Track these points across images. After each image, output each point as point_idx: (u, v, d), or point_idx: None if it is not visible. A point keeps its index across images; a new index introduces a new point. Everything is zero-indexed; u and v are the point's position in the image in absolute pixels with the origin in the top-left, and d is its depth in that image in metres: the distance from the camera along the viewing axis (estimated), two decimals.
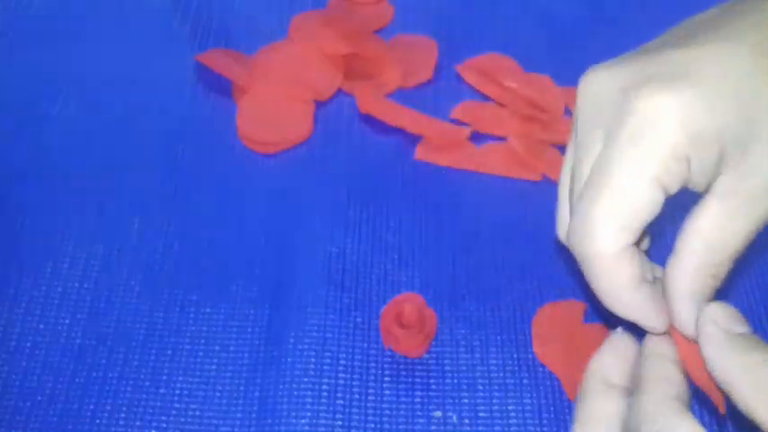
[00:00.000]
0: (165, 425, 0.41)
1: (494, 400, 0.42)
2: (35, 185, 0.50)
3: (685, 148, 0.28)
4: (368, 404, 0.42)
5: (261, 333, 0.45)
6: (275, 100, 0.53)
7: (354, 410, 0.42)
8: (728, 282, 0.46)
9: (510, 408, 0.42)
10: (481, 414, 0.42)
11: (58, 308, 0.45)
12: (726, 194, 0.29)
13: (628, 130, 0.29)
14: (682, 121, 0.28)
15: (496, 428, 0.41)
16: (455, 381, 0.43)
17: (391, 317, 0.43)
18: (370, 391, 0.43)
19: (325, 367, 0.43)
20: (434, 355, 0.44)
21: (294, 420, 0.41)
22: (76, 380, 0.43)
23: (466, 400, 0.42)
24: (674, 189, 0.29)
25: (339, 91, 0.55)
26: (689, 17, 0.33)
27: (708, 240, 0.29)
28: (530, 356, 0.44)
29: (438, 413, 0.42)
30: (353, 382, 0.43)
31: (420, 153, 0.52)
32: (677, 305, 0.30)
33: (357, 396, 0.42)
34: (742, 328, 0.28)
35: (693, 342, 0.30)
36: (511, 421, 0.41)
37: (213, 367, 0.43)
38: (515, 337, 0.45)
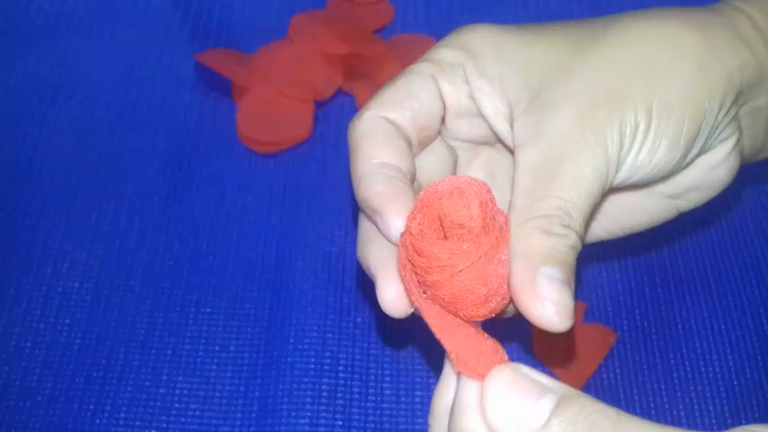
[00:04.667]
0: (165, 425, 0.41)
1: None
2: (35, 185, 0.50)
3: (460, 58, 0.31)
4: (368, 404, 0.42)
5: (261, 333, 0.45)
6: (275, 100, 0.53)
7: (354, 410, 0.42)
8: (729, 283, 0.47)
9: None
10: None
11: (58, 308, 0.45)
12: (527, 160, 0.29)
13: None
14: (462, 41, 0.32)
15: None
16: None
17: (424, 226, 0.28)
18: (371, 391, 0.43)
19: (326, 367, 0.43)
20: (434, 355, 0.44)
21: (294, 420, 0.41)
22: (76, 380, 0.43)
23: None
24: (447, 88, 0.31)
25: (339, 91, 0.55)
26: None
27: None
28: (530, 356, 0.44)
29: None
30: (353, 382, 0.43)
31: None
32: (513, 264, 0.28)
33: (357, 396, 0.42)
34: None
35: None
36: None
37: (213, 367, 0.43)
38: (515, 336, 0.45)
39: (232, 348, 0.44)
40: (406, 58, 0.56)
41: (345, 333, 0.44)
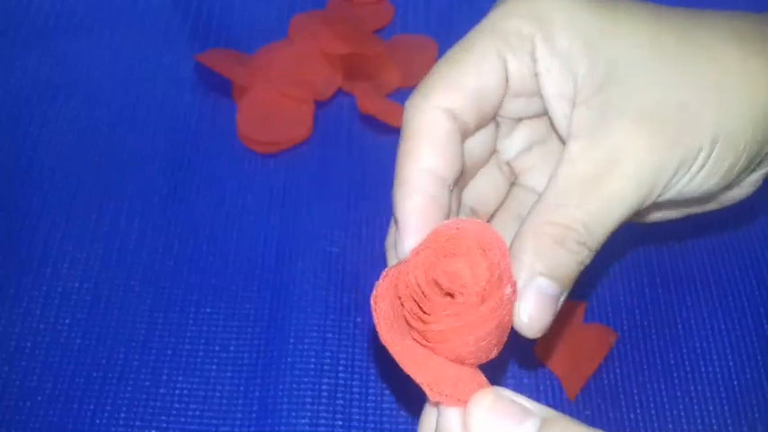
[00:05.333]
0: (165, 425, 0.41)
1: None
2: (35, 185, 0.50)
3: (530, 29, 0.29)
4: (368, 404, 0.42)
5: (261, 333, 0.45)
6: (275, 100, 0.53)
7: (354, 410, 0.42)
8: (729, 283, 0.47)
9: None
10: None
11: (58, 308, 0.45)
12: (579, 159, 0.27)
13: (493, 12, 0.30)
14: (536, 11, 0.29)
15: None
16: None
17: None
18: (370, 391, 0.43)
19: (326, 367, 0.43)
20: None
21: (294, 420, 0.41)
22: (76, 380, 0.43)
23: None
24: (514, 67, 0.29)
25: (339, 91, 0.55)
26: None
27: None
28: (530, 357, 0.44)
29: None
30: (353, 382, 0.43)
31: None
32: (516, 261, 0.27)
33: (357, 396, 0.42)
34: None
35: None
36: None
37: (213, 367, 0.43)
38: (515, 337, 0.45)
39: (232, 348, 0.44)
40: (406, 58, 0.56)
41: (345, 333, 0.44)
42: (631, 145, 0.26)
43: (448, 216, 0.30)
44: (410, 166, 0.29)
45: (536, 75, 0.29)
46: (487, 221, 0.34)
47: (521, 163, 0.34)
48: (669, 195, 0.28)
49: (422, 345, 0.28)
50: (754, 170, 0.31)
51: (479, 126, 0.30)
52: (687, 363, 0.44)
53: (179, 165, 0.51)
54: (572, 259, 0.27)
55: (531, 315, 0.27)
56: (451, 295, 0.27)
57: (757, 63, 0.28)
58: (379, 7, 0.60)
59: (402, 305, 0.27)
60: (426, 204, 0.28)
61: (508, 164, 0.34)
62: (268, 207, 0.49)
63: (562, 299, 0.27)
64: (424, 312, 0.27)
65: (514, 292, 0.27)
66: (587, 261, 0.27)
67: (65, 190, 0.50)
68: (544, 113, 0.31)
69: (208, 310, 0.45)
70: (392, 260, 0.32)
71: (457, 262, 0.26)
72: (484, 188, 0.33)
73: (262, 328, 0.45)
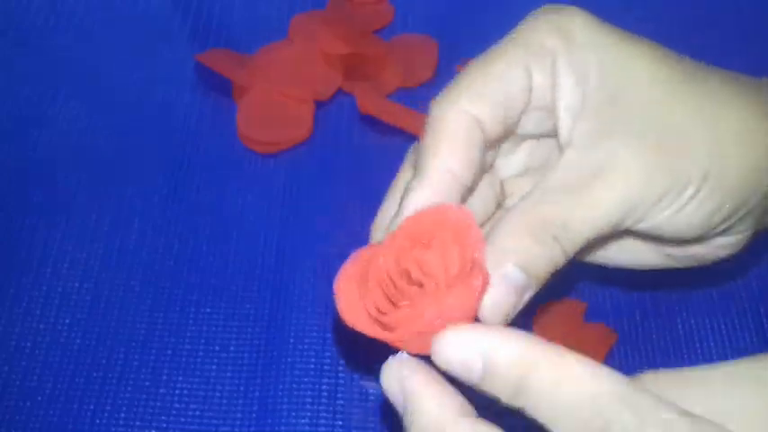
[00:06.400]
0: (165, 425, 0.41)
1: None
2: (35, 185, 0.50)
3: (553, 42, 0.30)
4: (368, 404, 0.42)
5: (261, 333, 0.45)
6: (275, 100, 0.53)
7: (354, 410, 0.42)
8: (729, 283, 0.46)
9: None
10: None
11: (58, 308, 0.45)
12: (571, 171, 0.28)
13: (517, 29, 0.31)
14: (565, 30, 0.30)
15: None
16: None
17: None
18: (371, 390, 0.43)
19: (326, 367, 0.43)
20: None
21: (294, 420, 0.41)
22: (76, 380, 0.43)
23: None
24: (538, 78, 0.30)
25: (339, 91, 0.55)
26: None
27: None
28: None
29: None
30: (353, 382, 0.43)
31: None
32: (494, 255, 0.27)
33: (357, 396, 0.42)
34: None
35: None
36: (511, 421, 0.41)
37: (213, 367, 0.43)
38: None
39: (232, 348, 0.44)
40: (406, 58, 0.56)
41: (345, 333, 0.44)
42: (623, 160, 0.27)
43: None
44: (434, 167, 0.29)
45: (552, 87, 0.30)
46: None
47: (512, 185, 0.34)
48: (650, 224, 0.29)
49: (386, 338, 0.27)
50: (731, 229, 0.31)
51: (499, 138, 0.31)
52: (687, 363, 0.44)
53: (179, 165, 0.51)
54: (544, 252, 0.27)
55: (495, 300, 0.26)
56: (420, 285, 0.26)
57: (755, 116, 0.29)
58: (379, 7, 0.60)
59: (369, 291, 0.27)
60: (436, 199, 0.29)
61: (501, 183, 0.34)
62: (268, 207, 0.49)
63: (527, 295, 0.27)
64: (390, 302, 0.26)
65: (485, 284, 0.26)
66: (560, 262, 0.27)
67: (65, 190, 0.50)
68: (552, 134, 0.32)
69: (208, 310, 0.45)
70: (374, 241, 0.32)
71: (429, 253, 0.26)
72: (476, 205, 0.33)
73: (262, 328, 0.45)
